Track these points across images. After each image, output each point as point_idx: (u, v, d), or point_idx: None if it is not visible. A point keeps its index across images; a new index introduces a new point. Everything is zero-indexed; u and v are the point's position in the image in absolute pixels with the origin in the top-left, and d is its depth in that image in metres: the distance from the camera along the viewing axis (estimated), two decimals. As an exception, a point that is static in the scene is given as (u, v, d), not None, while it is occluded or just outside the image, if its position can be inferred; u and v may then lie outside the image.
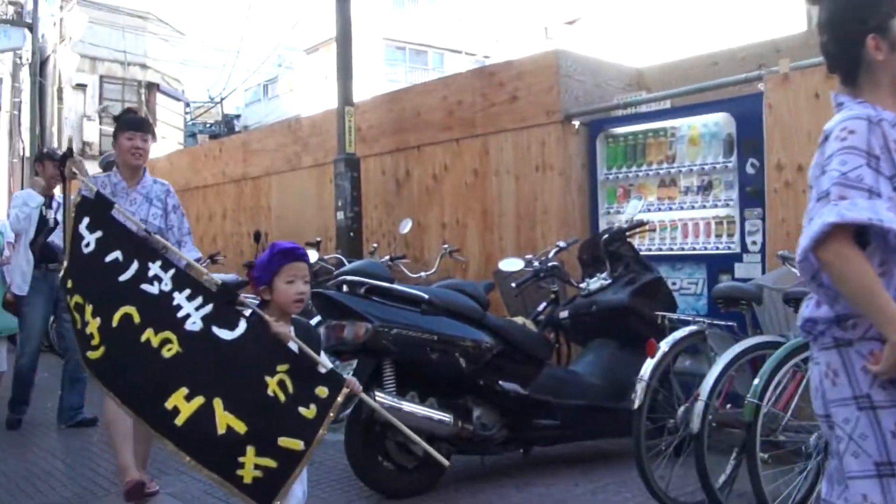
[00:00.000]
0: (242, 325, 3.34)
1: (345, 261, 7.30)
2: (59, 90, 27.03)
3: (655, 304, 5.31)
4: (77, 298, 3.69)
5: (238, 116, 37.58)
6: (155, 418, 3.37)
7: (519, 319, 5.64)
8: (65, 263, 3.91)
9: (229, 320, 3.36)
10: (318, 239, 9.03)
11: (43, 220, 6.91)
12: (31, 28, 20.36)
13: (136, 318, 3.44)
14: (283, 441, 3.19)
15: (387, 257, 7.48)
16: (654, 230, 6.66)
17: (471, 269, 7.79)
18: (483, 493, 4.69)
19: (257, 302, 3.47)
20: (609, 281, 5.59)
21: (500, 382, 4.92)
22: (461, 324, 4.84)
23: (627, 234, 5.73)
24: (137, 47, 28.51)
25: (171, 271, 3.53)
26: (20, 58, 23.69)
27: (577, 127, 7.21)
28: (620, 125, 7.17)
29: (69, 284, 3.78)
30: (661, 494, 4.24)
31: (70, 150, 4.49)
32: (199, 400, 3.25)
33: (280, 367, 3.22)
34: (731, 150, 6.26)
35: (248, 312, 3.38)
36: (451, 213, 8.20)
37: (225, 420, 3.21)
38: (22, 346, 7.08)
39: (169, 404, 3.27)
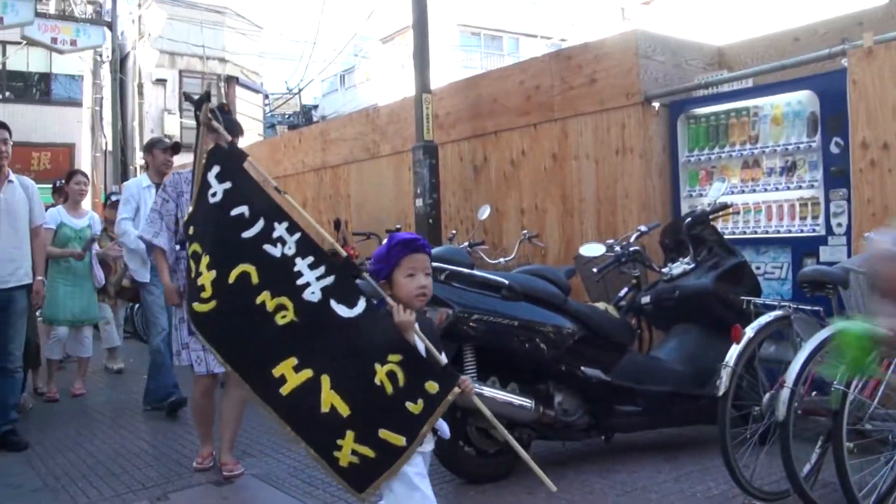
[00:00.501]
0: (361, 305, 3.21)
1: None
2: (140, 86, 27.61)
3: (739, 289, 5.22)
4: (195, 247, 3.56)
5: (316, 107, 37.96)
6: (260, 383, 3.30)
7: (601, 305, 5.59)
8: (190, 208, 3.80)
9: (349, 296, 3.22)
10: (398, 226, 9.09)
11: None
12: (111, 26, 20.80)
13: (255, 279, 3.32)
14: (384, 433, 3.07)
15: (465, 244, 7.48)
16: (737, 213, 6.53)
17: (550, 255, 7.75)
18: (565, 478, 4.67)
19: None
20: (692, 265, 5.50)
21: (582, 368, 4.88)
22: (542, 309, 4.80)
23: (710, 217, 5.63)
24: (216, 42, 28.96)
25: (297, 235, 3.36)
26: (100, 55, 24.19)
27: (657, 108, 7.10)
28: (701, 105, 7.03)
29: (191, 231, 3.65)
30: (746, 483, 4.15)
31: (208, 94, 4.33)
32: (307, 373, 3.18)
33: (392, 357, 3.09)
34: (814, 128, 6.11)
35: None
36: (530, 199, 8.16)
37: (330, 399, 3.13)
38: (150, 333, 7.20)
39: (276, 372, 3.21)
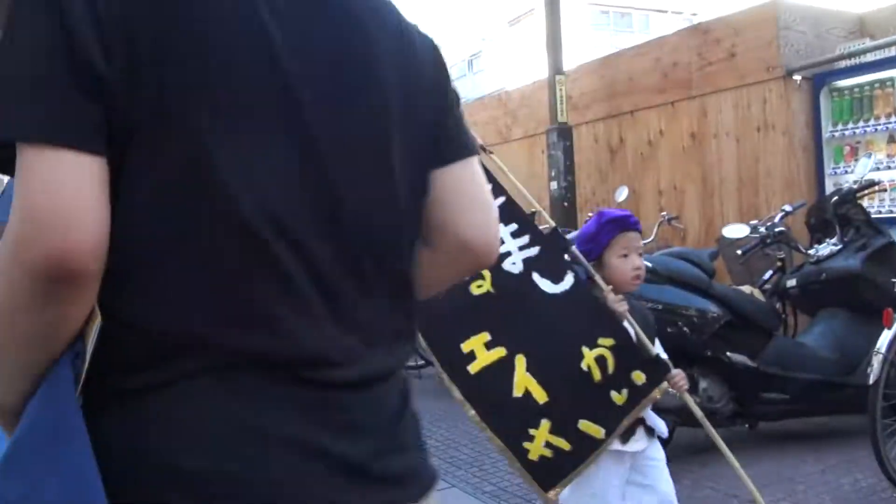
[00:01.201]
0: (569, 280, 2.89)
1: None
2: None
3: (890, 271, 4.98)
4: None
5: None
6: (449, 356, 2.98)
7: (746, 288, 5.43)
8: None
9: (555, 270, 2.91)
10: (534, 210, 9.03)
11: None
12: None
13: None
14: (584, 425, 2.78)
15: (602, 226, 7.39)
16: (884, 190, 6.23)
17: (690, 237, 7.58)
18: (707, 467, 4.57)
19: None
20: (839, 246, 5.28)
21: (728, 354, 4.75)
22: (686, 293, 4.69)
23: (857, 195, 5.39)
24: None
25: (500, 199, 2.97)
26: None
27: (799, 82, 6.84)
28: (844, 77, 6.74)
29: None
30: (896, 476, 3.98)
31: None
32: (499, 351, 2.86)
33: (603, 341, 2.81)
34: (965, 98, 5.78)
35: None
36: (668, 179, 7.99)
37: (524, 382, 2.83)
38: None
39: (466, 347, 2.89)
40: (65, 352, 0.94)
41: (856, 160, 6.21)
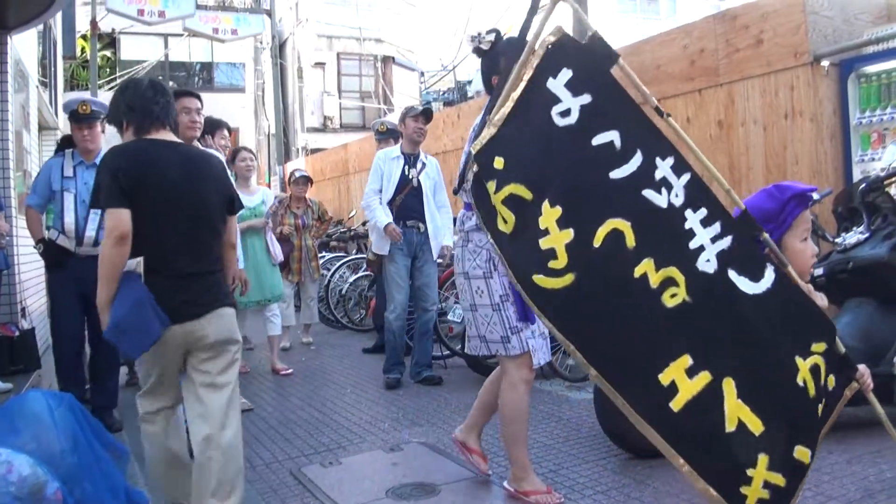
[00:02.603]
0: (770, 276, 2.39)
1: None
2: (299, 69, 28.42)
3: (918, 260, 4.93)
4: (516, 189, 2.46)
5: (470, 82, 38.03)
6: (642, 396, 2.37)
7: (772, 277, 5.38)
8: (490, 130, 2.53)
9: (753, 264, 2.40)
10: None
11: (405, 178, 7.19)
12: (269, 14, 21.56)
13: (630, 240, 2.38)
14: (799, 452, 2.34)
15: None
16: (912, 178, 6.15)
17: (717, 225, 7.53)
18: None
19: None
20: (866, 234, 5.23)
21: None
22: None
23: (885, 182, 5.32)
24: (371, 23, 29.44)
25: (686, 176, 2.50)
26: (261, 42, 25.09)
27: (826, 68, 6.76)
28: (872, 63, 6.63)
29: (500, 163, 2.48)
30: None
31: None
32: (704, 377, 2.32)
33: (816, 347, 2.35)
34: None
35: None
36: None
37: (737, 412, 2.31)
38: (389, 305, 7.17)
39: (665, 378, 2.32)
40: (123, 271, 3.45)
41: (883, 147, 6.14)
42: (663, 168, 2.45)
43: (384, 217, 6.97)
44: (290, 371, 7.95)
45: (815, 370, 2.34)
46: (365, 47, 29.72)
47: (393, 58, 30.58)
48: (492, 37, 3.65)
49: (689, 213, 2.41)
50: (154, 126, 3.69)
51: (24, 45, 9.20)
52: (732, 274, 2.38)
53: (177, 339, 3.58)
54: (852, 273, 5.15)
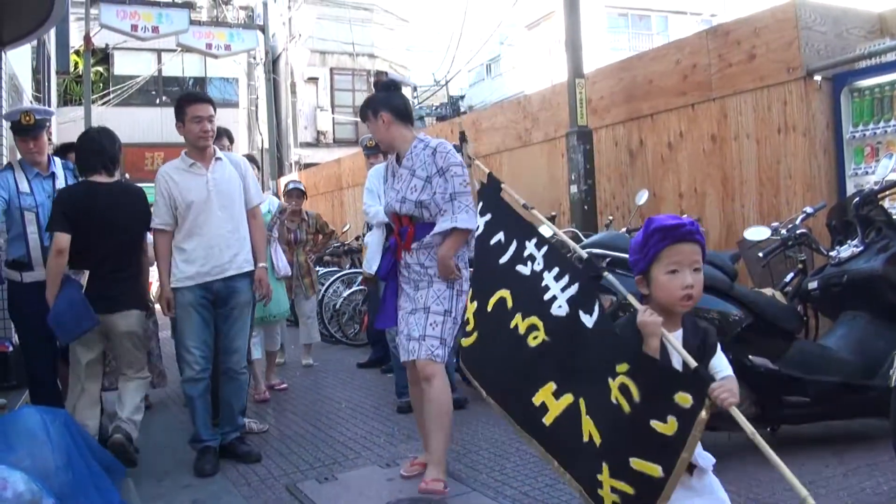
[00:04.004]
0: (596, 309, 2.80)
1: (580, 235, 7.26)
2: (293, 84, 28.52)
3: (912, 273, 4.93)
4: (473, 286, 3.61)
5: (462, 97, 38.14)
6: (523, 415, 3.05)
7: (767, 291, 5.40)
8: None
9: (591, 302, 2.83)
10: (553, 213, 9.03)
11: None
12: (263, 29, 21.60)
13: (509, 303, 3.20)
14: (636, 463, 2.51)
15: (623, 230, 7.36)
16: (906, 191, 6.18)
17: (711, 240, 7.54)
18: (730, 470, 4.53)
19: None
20: (861, 248, 5.23)
21: (750, 356, 4.72)
22: (708, 295, 4.63)
23: (879, 196, 5.34)
24: (364, 38, 29.60)
25: (544, 249, 3.15)
26: (254, 58, 25.19)
27: (819, 82, 6.80)
28: (865, 77, 6.69)
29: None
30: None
31: (463, 134, 4.39)
32: (567, 398, 2.85)
33: (620, 367, 2.56)
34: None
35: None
36: (689, 182, 7.97)
37: (588, 426, 2.73)
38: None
39: (537, 400, 2.94)
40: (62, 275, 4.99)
41: (877, 161, 6.16)
42: (530, 247, 3.20)
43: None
44: (284, 385, 7.87)
45: (623, 388, 2.55)
46: (358, 62, 29.83)
47: (386, 73, 30.66)
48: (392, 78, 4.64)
49: (545, 273, 3.06)
50: (94, 171, 5.25)
51: (19, 60, 9.20)
52: (581, 313, 2.85)
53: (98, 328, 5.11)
54: (847, 286, 5.14)
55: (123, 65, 27.84)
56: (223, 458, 5.34)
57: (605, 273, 3.01)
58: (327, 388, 7.89)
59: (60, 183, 5.60)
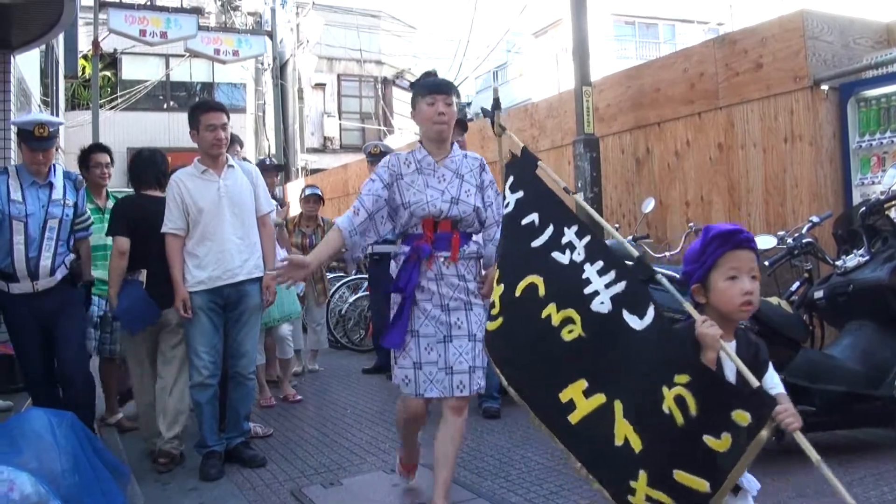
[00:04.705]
0: (650, 314, 2.69)
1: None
2: (300, 90, 28.51)
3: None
4: (499, 265, 3.41)
5: (469, 104, 38.17)
6: (547, 409, 2.95)
7: (773, 300, 5.40)
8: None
9: (641, 304, 2.73)
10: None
11: None
12: (271, 35, 21.69)
13: (541, 290, 3.04)
14: (680, 476, 2.47)
15: (629, 238, 7.36)
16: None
17: (716, 248, 7.53)
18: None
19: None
20: (867, 257, 5.24)
21: (756, 365, 4.71)
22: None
23: (885, 205, 5.34)
24: (372, 45, 29.65)
25: (586, 239, 3.00)
26: (262, 63, 25.23)
27: (826, 92, 6.80)
28: (871, 87, 6.68)
29: (501, 251, 3.50)
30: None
31: (497, 101, 4.04)
32: (599, 398, 2.75)
33: (679, 378, 2.49)
34: None
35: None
36: (695, 191, 7.97)
37: (623, 429, 2.65)
38: None
39: (564, 396, 2.84)
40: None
41: (883, 170, 6.17)
42: (569, 234, 3.05)
43: None
44: (299, 398, 7.59)
45: (679, 400, 2.49)
46: (365, 69, 29.89)
47: (393, 79, 30.72)
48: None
49: (587, 265, 2.93)
50: (149, 185, 5.72)
51: (27, 64, 9.24)
52: (625, 313, 2.76)
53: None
54: (852, 296, 5.15)
55: (131, 69, 27.97)
56: (228, 462, 5.36)
57: (658, 276, 2.88)
58: (332, 393, 7.91)
59: (58, 193, 5.37)
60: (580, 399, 2.80)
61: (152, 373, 5.59)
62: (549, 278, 3.04)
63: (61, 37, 12.90)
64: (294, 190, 18.59)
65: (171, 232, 5.25)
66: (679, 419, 2.47)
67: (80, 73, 21.28)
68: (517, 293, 3.12)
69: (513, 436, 5.85)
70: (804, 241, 5.52)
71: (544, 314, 2.98)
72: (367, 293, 9.96)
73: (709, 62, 7.80)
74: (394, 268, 4.24)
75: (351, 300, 10.62)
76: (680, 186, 8.15)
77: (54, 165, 5.46)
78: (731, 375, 2.56)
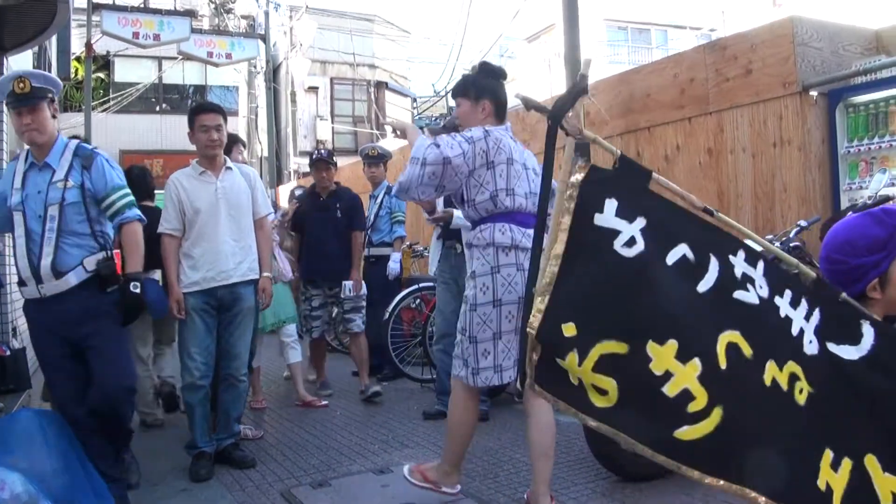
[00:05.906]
0: (868, 330, 2.16)
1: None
2: (293, 94, 28.57)
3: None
4: (606, 347, 1.99)
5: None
6: None
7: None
8: (539, 301, 2.01)
9: (848, 328, 2.18)
10: (550, 224, 9.03)
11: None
12: (264, 39, 21.76)
13: (747, 350, 2.07)
14: None
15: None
16: (900, 205, 6.21)
17: (706, 252, 7.57)
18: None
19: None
20: (854, 261, 5.27)
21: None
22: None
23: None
24: (365, 49, 29.66)
25: (761, 264, 2.19)
26: (255, 66, 25.30)
27: (815, 98, 6.84)
28: (860, 93, 6.72)
29: (566, 331, 1.98)
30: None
31: (584, 79, 2.40)
32: (846, 464, 2.09)
33: None
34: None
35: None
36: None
37: (888, 486, 2.10)
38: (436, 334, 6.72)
39: (821, 482, 2.06)
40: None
41: (871, 175, 6.22)
42: (739, 264, 2.16)
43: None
44: (324, 403, 7.37)
45: None
46: (358, 72, 29.89)
47: (386, 83, 30.74)
48: None
49: (777, 299, 2.17)
50: (141, 198, 5.72)
51: (20, 65, 9.23)
52: (832, 346, 2.16)
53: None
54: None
55: (124, 72, 27.94)
56: (218, 463, 5.38)
57: (843, 295, 2.24)
58: (323, 395, 7.91)
59: (59, 176, 4.35)
60: (831, 477, 2.09)
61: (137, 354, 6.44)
62: (746, 330, 2.10)
63: (54, 38, 12.88)
64: (285, 192, 18.58)
65: (166, 232, 5.29)
66: None
67: (72, 75, 21.24)
68: (721, 364, 2.04)
69: (501, 437, 5.88)
70: (792, 245, 5.55)
71: (767, 380, 2.08)
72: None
73: (699, 67, 7.84)
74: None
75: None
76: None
77: (60, 139, 4.49)
78: None
